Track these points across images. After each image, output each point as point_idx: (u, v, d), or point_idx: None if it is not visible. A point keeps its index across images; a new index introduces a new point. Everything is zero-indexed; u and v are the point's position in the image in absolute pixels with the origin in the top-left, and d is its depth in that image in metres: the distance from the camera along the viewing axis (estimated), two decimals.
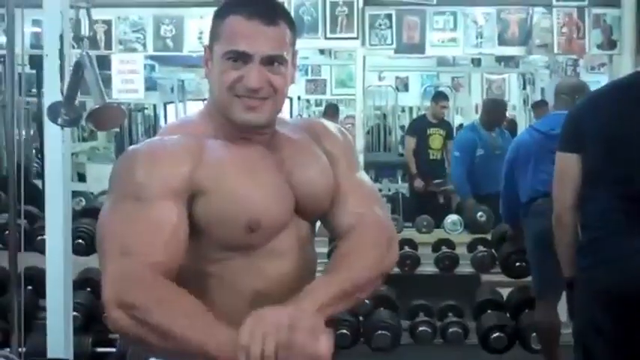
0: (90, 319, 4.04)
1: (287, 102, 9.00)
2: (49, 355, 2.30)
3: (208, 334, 1.18)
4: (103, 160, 10.55)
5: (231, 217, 1.33)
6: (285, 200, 1.42)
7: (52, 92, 2.32)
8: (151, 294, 1.21)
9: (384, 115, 9.87)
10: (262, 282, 1.38)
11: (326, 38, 4.59)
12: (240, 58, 1.36)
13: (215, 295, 1.36)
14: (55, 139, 2.38)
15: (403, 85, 9.48)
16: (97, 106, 1.80)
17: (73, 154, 9.86)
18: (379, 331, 3.77)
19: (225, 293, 1.36)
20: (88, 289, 4.24)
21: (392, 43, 4.62)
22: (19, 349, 2.34)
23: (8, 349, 2.40)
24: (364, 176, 1.55)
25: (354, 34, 4.55)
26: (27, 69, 4.54)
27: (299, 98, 8.93)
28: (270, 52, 1.37)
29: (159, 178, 1.30)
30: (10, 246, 2.44)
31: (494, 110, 5.73)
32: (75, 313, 4.01)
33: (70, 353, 2.68)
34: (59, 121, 2.10)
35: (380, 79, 9.21)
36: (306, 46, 5.09)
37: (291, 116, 8.62)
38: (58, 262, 2.42)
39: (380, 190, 7.75)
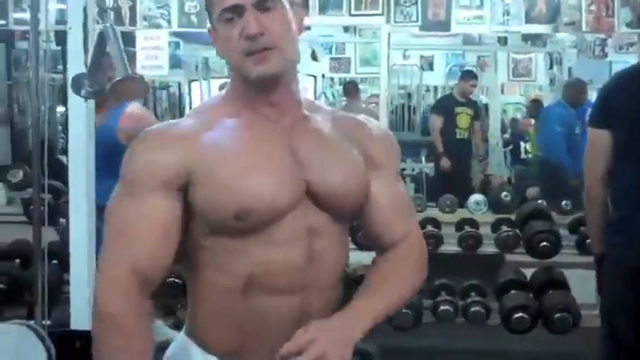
0: None
1: (311, 80, 8.94)
2: (73, 327, 2.31)
3: None
4: None
5: (220, 206, 1.30)
6: (286, 188, 1.33)
7: (76, 65, 2.32)
8: (118, 326, 1.29)
9: (409, 95, 9.80)
10: (257, 268, 1.33)
11: (350, 15, 4.54)
12: (235, 13, 1.33)
13: (209, 275, 1.35)
14: (79, 112, 2.37)
15: (428, 64, 9.40)
16: (119, 78, 1.79)
17: None
18: (401, 310, 3.75)
19: (218, 274, 1.34)
20: None
21: (417, 20, 4.57)
22: (43, 322, 2.36)
23: (33, 322, 2.43)
24: (402, 186, 1.52)
25: (379, 11, 4.50)
26: (52, 45, 4.56)
27: (323, 76, 8.89)
28: None
29: (151, 168, 1.30)
30: (35, 220, 2.45)
31: (579, 90, 5.82)
32: None
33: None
34: (82, 92, 2.10)
35: (404, 57, 9.13)
36: (331, 23, 5.05)
37: (315, 94, 8.59)
38: (81, 236, 2.42)
39: (403, 170, 7.77)
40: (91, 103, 2.37)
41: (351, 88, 8.02)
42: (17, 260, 3.94)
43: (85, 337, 2.39)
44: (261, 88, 1.36)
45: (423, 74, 9.44)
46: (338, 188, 1.37)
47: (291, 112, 1.40)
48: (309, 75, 8.46)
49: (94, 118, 2.43)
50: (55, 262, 4.08)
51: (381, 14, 4.51)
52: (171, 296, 4.15)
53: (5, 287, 3.78)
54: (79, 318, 2.30)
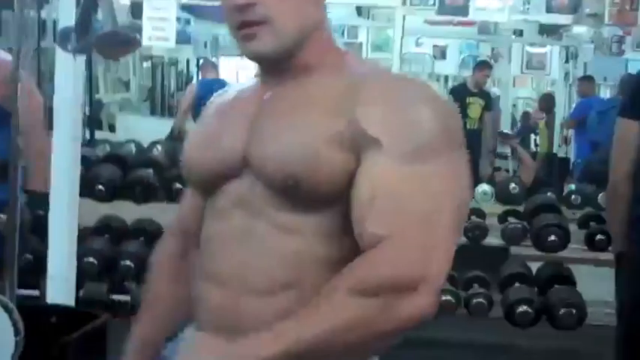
0: (106, 267, 4.00)
1: None
2: (50, 301, 2.22)
3: None
4: (134, 112, 10.59)
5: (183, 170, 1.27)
6: (216, 156, 1.16)
7: (66, 18, 2.20)
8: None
9: None
10: (204, 235, 1.19)
11: None
12: None
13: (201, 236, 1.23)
14: (67, 70, 2.26)
15: (441, 53, 9.28)
16: (106, 31, 1.67)
17: (104, 103, 9.90)
18: None
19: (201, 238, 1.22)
20: (107, 235, 4.19)
21: (434, 4, 4.45)
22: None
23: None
24: (427, 171, 1.03)
25: None
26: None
27: None
28: None
29: None
30: (11, 189, 2.34)
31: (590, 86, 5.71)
32: (91, 260, 4.00)
33: (72, 300, 2.59)
34: (69, 47, 1.98)
35: (417, 45, 9.01)
36: (344, 2, 4.93)
37: None
38: (61, 206, 2.32)
39: None
40: (80, 60, 2.26)
41: None
42: None
43: (62, 311, 2.32)
44: (260, 66, 1.19)
45: (435, 63, 9.32)
46: (270, 162, 1.09)
47: (294, 79, 1.15)
48: None
49: (82, 76, 2.33)
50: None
51: None
52: None
53: None
54: (57, 293, 2.21)
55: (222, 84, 6.61)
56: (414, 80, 1.19)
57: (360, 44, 8.39)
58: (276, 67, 1.16)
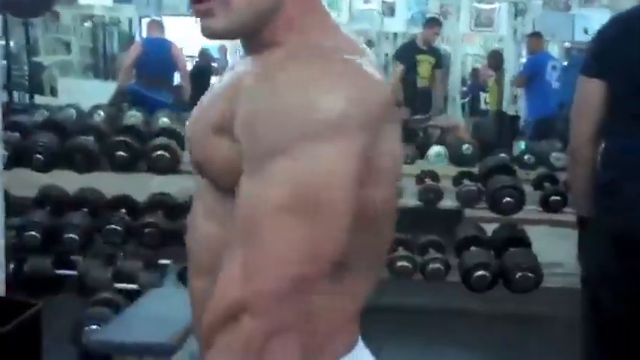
0: (50, 240, 3.82)
1: None
2: None
3: None
4: (76, 75, 10.22)
5: None
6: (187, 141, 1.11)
7: None
8: None
9: (369, 41, 9.52)
10: None
11: None
12: None
13: None
14: None
15: (390, 10, 9.12)
16: None
17: (45, 66, 9.51)
18: None
19: None
20: (48, 207, 4.01)
21: None
22: None
23: None
24: (266, 178, 0.88)
25: None
26: None
27: None
28: None
29: None
30: None
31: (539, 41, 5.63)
32: (33, 233, 3.82)
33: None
34: None
35: (365, 2, 8.84)
36: None
37: None
38: None
39: None
40: None
41: None
42: None
43: None
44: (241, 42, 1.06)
45: (384, 20, 9.17)
46: (190, 144, 1.07)
47: (256, 58, 1.04)
48: None
49: None
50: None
51: None
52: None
53: None
54: None
55: (168, 44, 6.36)
56: (315, 60, 0.94)
57: None
58: (244, 44, 1.05)
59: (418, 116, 6.03)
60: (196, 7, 1.00)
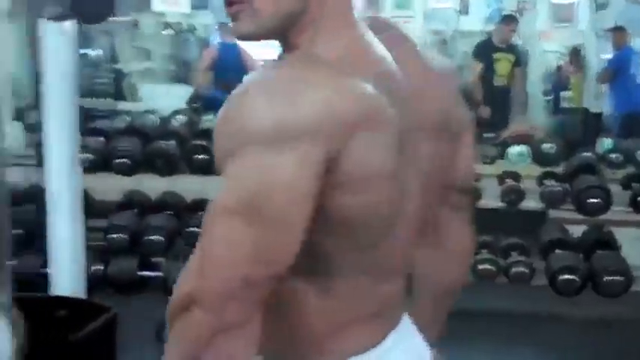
0: (134, 242, 3.89)
1: None
2: (52, 286, 2.06)
3: None
4: (157, 80, 10.44)
5: None
6: None
7: None
8: None
9: (444, 40, 9.39)
10: None
11: None
12: None
13: None
14: (52, 42, 2.07)
15: (464, 8, 8.97)
16: None
17: (126, 73, 9.77)
18: None
19: None
20: (135, 210, 4.09)
21: None
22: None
23: None
24: (223, 183, 0.93)
25: None
26: None
27: None
28: None
29: None
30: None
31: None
32: (118, 235, 3.90)
33: (81, 285, 2.42)
34: (48, 13, 1.80)
35: (440, 1, 8.71)
36: None
37: None
38: (60, 178, 2.14)
39: None
40: (70, 28, 2.05)
41: None
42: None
43: (70, 304, 2.16)
44: None
45: (460, 18, 9.02)
46: None
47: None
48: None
49: (74, 47, 2.12)
50: None
51: None
52: None
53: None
54: (60, 277, 2.05)
55: (238, 49, 6.41)
56: (288, 69, 0.99)
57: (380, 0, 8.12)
58: (282, 46, 1.07)
59: (490, 134, 5.85)
60: (227, 9, 1.02)
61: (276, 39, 1.05)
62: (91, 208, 4.10)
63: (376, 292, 1.08)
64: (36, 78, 6.55)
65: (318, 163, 0.91)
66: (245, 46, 6.60)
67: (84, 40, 7.72)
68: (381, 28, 1.10)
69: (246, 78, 0.99)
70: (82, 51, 7.04)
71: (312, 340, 1.05)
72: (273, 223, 0.90)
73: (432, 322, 1.32)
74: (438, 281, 1.32)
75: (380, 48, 1.05)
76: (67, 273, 2.21)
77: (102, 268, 3.77)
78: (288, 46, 1.04)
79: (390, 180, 1.00)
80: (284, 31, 1.03)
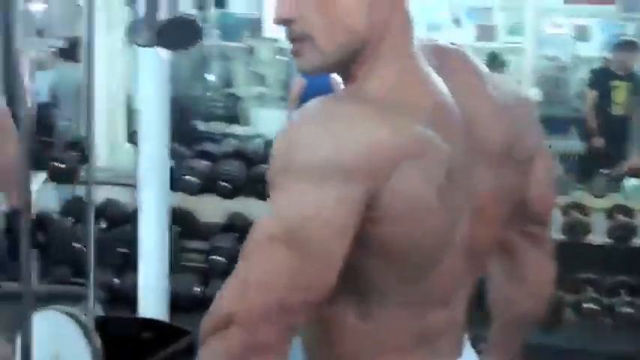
0: (234, 264, 3.96)
1: None
2: (141, 307, 2.12)
3: None
4: (270, 105, 10.68)
5: None
6: None
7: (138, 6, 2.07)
8: None
9: (561, 67, 9.13)
10: None
11: None
12: None
13: None
14: (148, 67, 2.15)
15: (582, 34, 8.70)
16: (166, 20, 1.51)
17: (239, 97, 10.05)
18: None
19: None
20: (236, 234, 4.17)
21: None
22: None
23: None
24: (268, 209, 0.98)
25: None
26: None
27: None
28: None
29: None
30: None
31: None
32: (218, 258, 3.99)
33: (164, 305, 2.47)
34: (140, 40, 1.84)
35: (555, 26, 8.49)
36: None
37: None
38: (149, 212, 2.21)
39: (549, 147, 7.22)
40: (163, 54, 2.12)
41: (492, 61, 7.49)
42: None
43: (153, 326, 2.22)
44: None
45: (577, 45, 8.75)
46: None
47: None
48: (454, 44, 8.01)
49: (165, 72, 2.18)
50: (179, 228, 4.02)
51: None
52: None
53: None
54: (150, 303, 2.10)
55: (327, 78, 6.42)
56: (331, 104, 1.01)
57: (493, 27, 7.99)
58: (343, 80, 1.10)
59: (606, 170, 5.59)
60: (291, 46, 1.05)
61: (337, 72, 1.08)
62: (195, 230, 4.23)
63: (419, 321, 1.09)
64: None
65: (357, 200, 0.95)
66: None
67: (203, 65, 8.01)
68: (443, 54, 1.11)
69: (300, 109, 1.01)
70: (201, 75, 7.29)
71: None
72: (311, 254, 0.94)
73: (502, 350, 1.35)
74: (510, 310, 1.33)
75: (435, 79, 1.05)
76: (152, 294, 2.27)
77: (201, 289, 3.87)
78: (346, 79, 1.07)
79: (435, 213, 1.01)
80: (345, 65, 1.05)
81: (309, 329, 1.10)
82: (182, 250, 4.05)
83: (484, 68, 1.15)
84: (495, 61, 7.35)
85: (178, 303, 3.43)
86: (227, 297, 0.96)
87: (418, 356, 1.10)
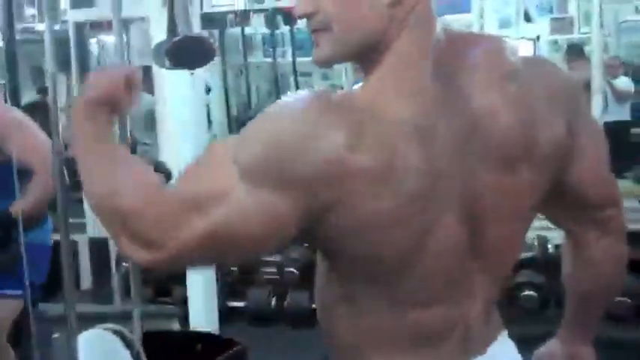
0: (307, 276, 4.01)
1: (530, 44, 8.33)
2: (192, 320, 2.17)
3: None
4: None
5: None
6: None
7: (158, 30, 2.14)
8: None
9: None
10: None
11: None
12: None
13: None
14: (179, 90, 2.19)
15: None
16: (177, 39, 1.54)
17: None
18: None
19: None
20: (305, 244, 4.21)
21: None
22: None
23: None
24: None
25: None
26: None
27: (537, 39, 8.14)
28: None
29: None
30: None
31: None
32: (292, 269, 4.04)
33: (214, 319, 2.52)
34: (166, 64, 1.88)
35: (637, 12, 8.17)
36: None
37: None
38: None
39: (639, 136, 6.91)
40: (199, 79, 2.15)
41: (572, 52, 7.28)
42: None
43: (204, 339, 2.27)
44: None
45: None
46: None
47: None
48: (526, 38, 7.84)
49: (200, 94, 2.22)
50: None
51: None
52: None
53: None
54: (197, 313, 2.16)
55: None
56: (288, 103, 1.06)
57: (571, 18, 7.78)
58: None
59: None
60: (313, 36, 1.10)
61: (354, 61, 1.13)
62: None
63: (408, 320, 1.10)
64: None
65: (286, 210, 0.99)
66: None
67: (281, 82, 8.13)
68: (468, 49, 1.11)
69: (278, 102, 1.06)
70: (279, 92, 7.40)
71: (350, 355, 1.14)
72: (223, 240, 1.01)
73: (576, 325, 1.38)
74: (579, 289, 1.36)
75: (432, 91, 1.05)
76: (202, 308, 2.34)
77: (277, 301, 3.93)
78: (362, 69, 1.10)
79: (399, 223, 1.02)
80: (361, 59, 1.09)
81: (322, 316, 1.18)
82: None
83: (520, 59, 1.13)
84: (576, 52, 7.15)
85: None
86: (160, 228, 1.00)
87: (411, 354, 1.11)
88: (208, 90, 7.29)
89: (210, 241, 0.99)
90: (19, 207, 2.28)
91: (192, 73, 2.23)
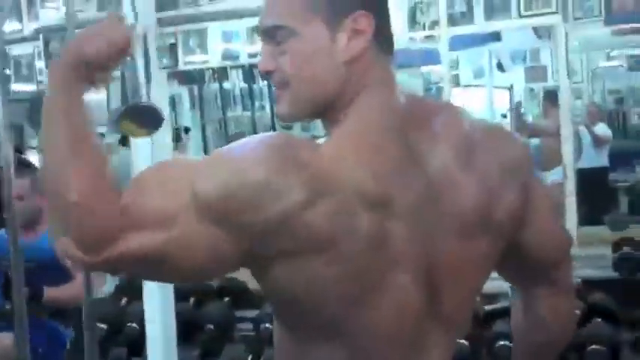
0: None
1: (505, 93, 8.39)
2: None
3: None
4: None
5: None
6: None
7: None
8: None
9: (621, 99, 8.92)
10: None
11: (521, 16, 4.11)
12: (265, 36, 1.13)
13: None
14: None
15: (637, 64, 8.49)
16: (123, 107, 1.56)
17: None
18: (594, 346, 3.25)
19: None
20: None
21: (600, 14, 4.03)
22: None
23: None
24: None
25: (553, 9, 4.03)
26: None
27: (511, 87, 8.22)
28: (266, 23, 1.11)
29: None
30: None
31: None
32: (267, 325, 3.96)
33: None
34: (117, 130, 1.89)
35: (608, 59, 8.33)
36: (497, 28, 4.65)
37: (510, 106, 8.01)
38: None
39: (616, 182, 6.97)
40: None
41: (548, 99, 7.37)
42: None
43: None
44: None
45: (634, 75, 8.54)
46: None
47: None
48: (500, 87, 7.95)
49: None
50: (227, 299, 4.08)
51: (556, 12, 4.03)
52: None
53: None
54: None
55: None
56: (246, 143, 1.06)
57: (545, 67, 7.90)
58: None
59: None
60: (275, 92, 1.13)
61: (315, 118, 1.15)
62: (245, 299, 4.25)
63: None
64: None
65: (236, 250, 1.01)
66: None
67: None
68: (429, 113, 1.14)
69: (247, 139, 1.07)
70: None
71: None
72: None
73: None
74: (526, 340, 1.36)
75: (391, 150, 1.07)
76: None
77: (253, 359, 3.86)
78: (324, 127, 1.13)
79: (346, 279, 1.03)
80: (322, 114, 1.12)
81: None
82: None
83: (476, 127, 1.16)
84: (551, 99, 7.23)
85: None
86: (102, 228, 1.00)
87: None
88: (187, 130, 7.37)
89: (143, 262, 1.00)
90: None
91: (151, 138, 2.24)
